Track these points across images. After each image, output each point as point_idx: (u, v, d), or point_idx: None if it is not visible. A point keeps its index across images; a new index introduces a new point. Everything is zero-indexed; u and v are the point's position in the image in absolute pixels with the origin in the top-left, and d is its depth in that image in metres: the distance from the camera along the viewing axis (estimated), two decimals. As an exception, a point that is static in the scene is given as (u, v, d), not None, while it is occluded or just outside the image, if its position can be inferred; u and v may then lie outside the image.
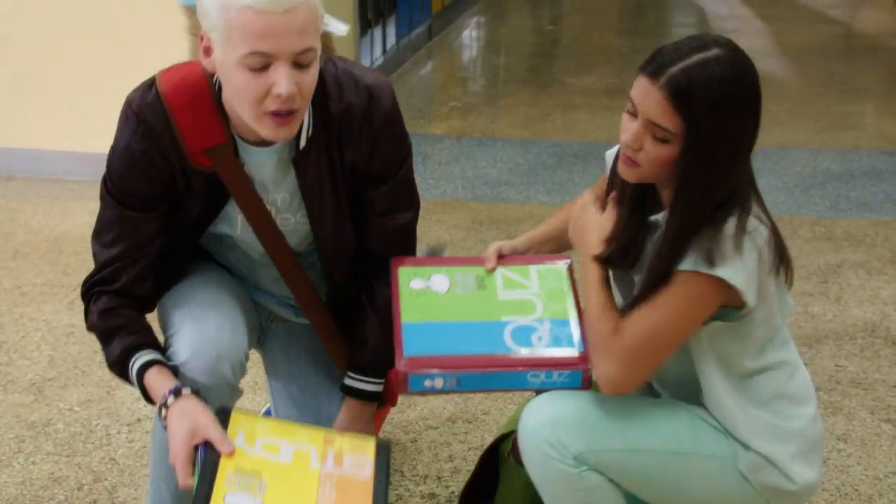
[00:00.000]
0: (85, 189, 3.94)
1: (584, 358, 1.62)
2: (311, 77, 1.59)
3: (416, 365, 1.59)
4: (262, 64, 1.54)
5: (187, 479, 1.52)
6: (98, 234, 1.75)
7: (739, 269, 1.52)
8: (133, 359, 1.69)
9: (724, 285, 1.52)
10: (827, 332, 2.95)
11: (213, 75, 1.68)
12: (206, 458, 1.50)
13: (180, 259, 1.82)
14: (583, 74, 5.85)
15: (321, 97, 1.71)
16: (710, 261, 1.52)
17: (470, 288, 1.74)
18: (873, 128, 4.95)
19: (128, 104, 1.70)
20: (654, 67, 1.54)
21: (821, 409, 2.57)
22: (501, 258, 1.81)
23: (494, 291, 1.74)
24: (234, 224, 1.79)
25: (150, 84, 1.70)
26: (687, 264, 1.54)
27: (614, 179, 1.72)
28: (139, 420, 2.46)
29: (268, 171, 1.74)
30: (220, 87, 1.67)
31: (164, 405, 1.61)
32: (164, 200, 1.72)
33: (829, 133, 4.83)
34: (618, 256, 1.67)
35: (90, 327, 1.76)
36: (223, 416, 1.57)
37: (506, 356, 1.62)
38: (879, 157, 4.51)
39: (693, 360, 1.63)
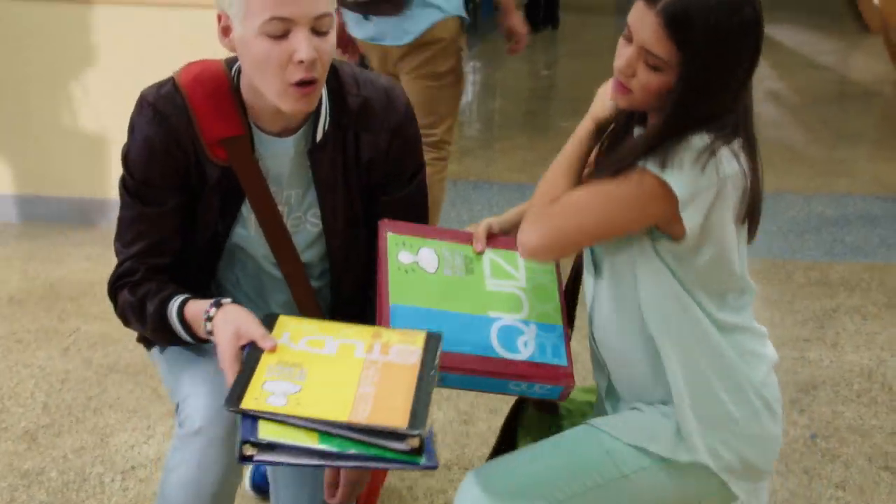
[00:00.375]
0: (80, 235, 3.94)
1: (566, 374, 1.61)
2: (329, 45, 1.62)
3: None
4: (282, 30, 1.57)
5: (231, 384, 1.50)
6: (119, 236, 1.77)
7: (688, 183, 1.49)
8: (169, 306, 1.68)
9: (668, 193, 1.50)
10: (824, 378, 2.94)
11: (230, 69, 1.72)
12: (249, 355, 1.49)
13: (203, 279, 1.83)
14: (579, 119, 5.86)
15: (338, 90, 1.74)
16: (663, 164, 1.50)
17: (458, 270, 1.72)
18: (867, 173, 4.97)
19: (142, 98, 1.72)
20: None
21: (818, 455, 2.58)
22: (490, 238, 1.78)
23: (482, 278, 1.72)
24: (248, 225, 1.78)
25: (168, 80, 1.73)
26: (640, 161, 1.52)
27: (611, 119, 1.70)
28: (133, 468, 2.44)
29: (284, 163, 1.75)
30: (238, 80, 1.71)
31: (208, 318, 1.60)
32: (182, 194, 1.73)
33: (824, 178, 4.85)
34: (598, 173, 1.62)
35: (121, 315, 1.76)
36: (270, 321, 1.57)
37: (491, 360, 1.60)
38: (873, 202, 4.53)
39: (645, 309, 1.59)
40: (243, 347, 1.52)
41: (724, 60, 1.50)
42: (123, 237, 1.76)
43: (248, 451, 1.35)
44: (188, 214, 1.75)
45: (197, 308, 1.64)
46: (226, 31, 1.64)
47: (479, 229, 1.78)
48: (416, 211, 1.84)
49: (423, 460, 1.37)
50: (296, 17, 1.57)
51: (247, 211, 1.77)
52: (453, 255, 1.74)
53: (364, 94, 1.76)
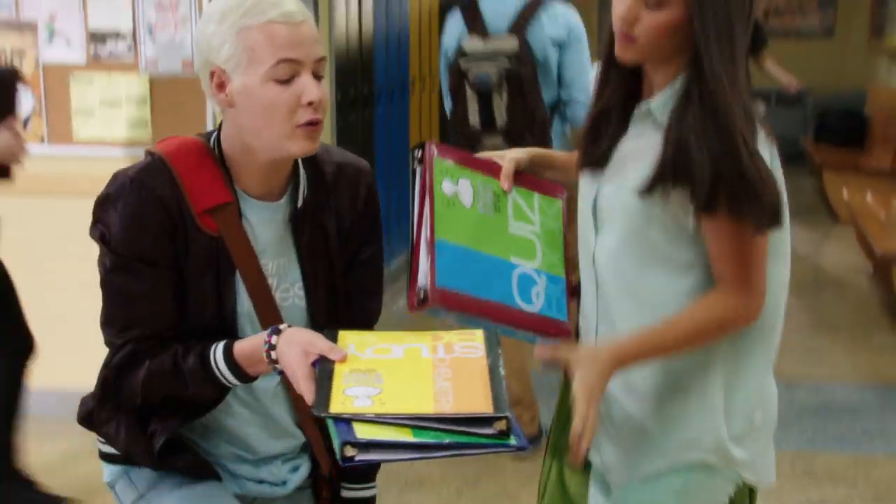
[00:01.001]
0: (56, 426, 3.88)
1: (567, 331, 1.69)
2: (325, 91, 1.67)
3: (444, 300, 1.60)
4: (290, 73, 1.62)
5: (314, 396, 1.51)
6: (109, 324, 1.71)
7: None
8: (212, 354, 1.67)
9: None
10: (814, 575, 2.87)
11: (208, 140, 1.74)
12: (321, 369, 1.53)
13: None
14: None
15: (312, 160, 1.79)
16: (749, 208, 1.54)
17: (488, 208, 1.73)
18: (845, 362, 5.00)
19: (121, 175, 1.68)
20: None
21: None
22: (515, 176, 1.77)
23: (506, 219, 1.75)
24: (243, 300, 1.75)
25: (147, 156, 1.73)
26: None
27: (602, 86, 1.71)
28: None
29: (271, 230, 1.76)
30: (218, 149, 1.73)
31: (271, 347, 1.60)
32: (174, 265, 1.69)
33: (803, 367, 4.87)
34: (587, 153, 1.70)
35: (143, 392, 1.70)
36: (331, 336, 1.62)
37: (511, 310, 1.66)
38: (853, 392, 4.54)
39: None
40: (313, 364, 1.54)
41: None
42: (114, 324, 1.71)
43: (349, 452, 1.40)
44: (181, 292, 1.71)
45: (250, 344, 1.64)
46: (221, 86, 1.66)
47: (507, 166, 1.76)
48: (378, 286, 1.91)
49: (514, 441, 1.43)
50: (302, 58, 1.62)
51: (240, 285, 1.74)
52: (485, 189, 1.75)
53: (336, 160, 1.83)
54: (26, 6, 3.82)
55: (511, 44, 3.41)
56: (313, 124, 1.65)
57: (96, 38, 3.82)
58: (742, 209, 1.54)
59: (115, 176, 1.70)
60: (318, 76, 1.66)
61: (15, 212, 3.85)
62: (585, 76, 3.45)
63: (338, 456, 1.40)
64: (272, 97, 1.62)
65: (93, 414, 1.83)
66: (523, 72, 3.38)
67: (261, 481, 1.89)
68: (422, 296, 1.60)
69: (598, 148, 1.70)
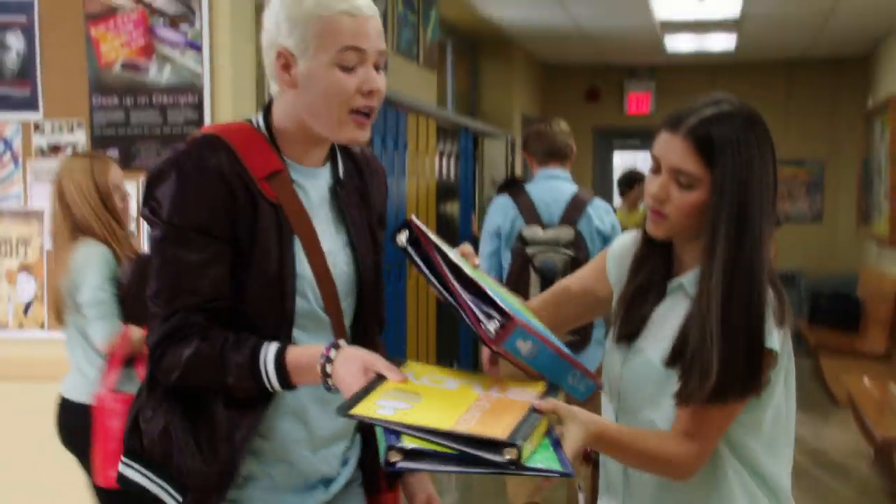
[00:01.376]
0: None
1: (596, 375, 1.74)
2: (384, 82, 1.80)
3: (522, 324, 1.61)
4: (355, 61, 1.75)
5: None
6: (158, 294, 1.72)
7: (778, 337, 1.68)
8: (262, 353, 1.70)
9: (770, 353, 1.69)
10: None
11: (251, 121, 1.83)
12: (371, 381, 1.58)
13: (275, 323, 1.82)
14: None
15: (341, 146, 1.94)
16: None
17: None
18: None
19: (174, 151, 1.75)
20: (672, 121, 1.69)
21: None
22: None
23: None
24: (303, 263, 1.81)
25: (192, 136, 1.79)
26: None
27: (639, 263, 1.81)
28: None
29: (320, 194, 1.87)
30: (266, 122, 1.82)
31: (328, 360, 1.65)
32: (230, 236, 1.73)
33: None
34: (622, 325, 1.79)
35: (183, 370, 1.71)
36: (397, 363, 1.65)
37: (564, 352, 1.70)
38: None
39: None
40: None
41: (748, 170, 1.65)
42: (162, 295, 1.72)
43: (394, 457, 1.44)
44: (237, 265, 1.74)
45: (305, 354, 1.69)
46: (286, 67, 1.77)
47: (465, 247, 1.83)
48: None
49: (559, 467, 1.46)
50: (367, 48, 1.76)
51: (299, 250, 1.80)
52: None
53: (359, 147, 1.97)
54: (34, 196, 3.92)
55: (568, 234, 3.95)
56: (367, 115, 1.78)
57: (101, 224, 3.90)
58: (737, 396, 1.69)
59: (168, 151, 1.77)
60: (378, 68, 1.79)
61: (18, 395, 3.86)
62: None
63: (381, 461, 1.46)
64: (335, 81, 1.74)
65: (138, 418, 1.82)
66: (581, 259, 3.84)
67: (316, 478, 1.90)
68: (498, 325, 1.61)
69: (631, 323, 1.80)
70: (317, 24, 1.74)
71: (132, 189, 3.87)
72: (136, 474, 1.83)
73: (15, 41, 3.89)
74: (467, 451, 1.44)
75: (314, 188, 1.86)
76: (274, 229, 1.77)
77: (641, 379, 1.78)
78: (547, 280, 3.83)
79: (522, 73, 10.28)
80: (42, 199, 3.90)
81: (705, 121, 1.67)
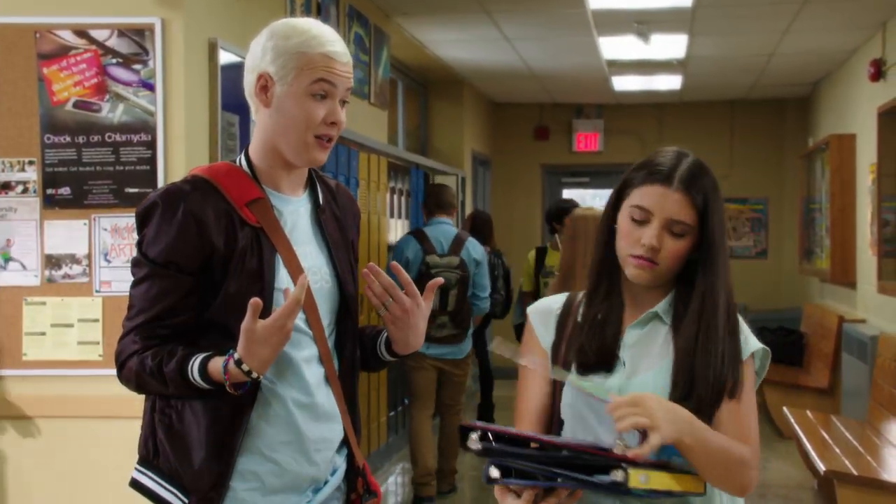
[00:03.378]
0: None
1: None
2: (344, 116, 2.08)
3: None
4: (325, 91, 2.04)
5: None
6: (127, 315, 2.04)
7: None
8: (189, 365, 1.96)
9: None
10: None
11: (233, 161, 2.12)
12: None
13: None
14: None
15: (317, 174, 2.20)
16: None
17: None
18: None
19: (159, 196, 2.03)
20: (662, 176, 1.90)
21: None
22: None
23: None
24: (282, 277, 2.05)
25: (185, 178, 2.08)
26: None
27: (596, 300, 1.99)
28: None
29: (300, 220, 2.12)
30: (245, 157, 2.11)
31: (233, 356, 1.93)
32: (194, 274, 2.00)
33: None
34: (583, 355, 1.95)
35: (135, 382, 2.01)
36: None
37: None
38: None
39: None
40: None
41: (721, 213, 1.91)
42: (128, 314, 2.04)
43: (494, 473, 1.76)
44: (204, 292, 2.01)
45: (220, 358, 1.95)
46: (264, 88, 2.07)
47: None
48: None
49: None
50: (338, 84, 2.06)
51: (279, 265, 2.05)
52: None
53: (334, 179, 2.27)
54: (-15, 233, 3.91)
55: (456, 260, 6.06)
56: (328, 140, 2.06)
57: (52, 262, 3.92)
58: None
59: (159, 192, 2.05)
60: (344, 102, 2.08)
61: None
62: (486, 283, 6.22)
63: (483, 478, 1.70)
64: (306, 107, 2.04)
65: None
66: (464, 278, 6.05)
67: (306, 483, 2.11)
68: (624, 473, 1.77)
69: (598, 353, 1.95)
70: (299, 59, 2.04)
71: (82, 230, 3.88)
72: (149, 481, 2.07)
73: (-34, 80, 3.89)
74: (576, 464, 1.69)
75: (293, 213, 2.12)
76: (255, 249, 2.03)
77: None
78: (444, 293, 5.96)
79: (472, 111, 10.39)
80: (-8, 236, 3.90)
81: (692, 175, 1.90)
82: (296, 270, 2.05)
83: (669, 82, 10.02)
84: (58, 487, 3.92)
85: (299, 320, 2.04)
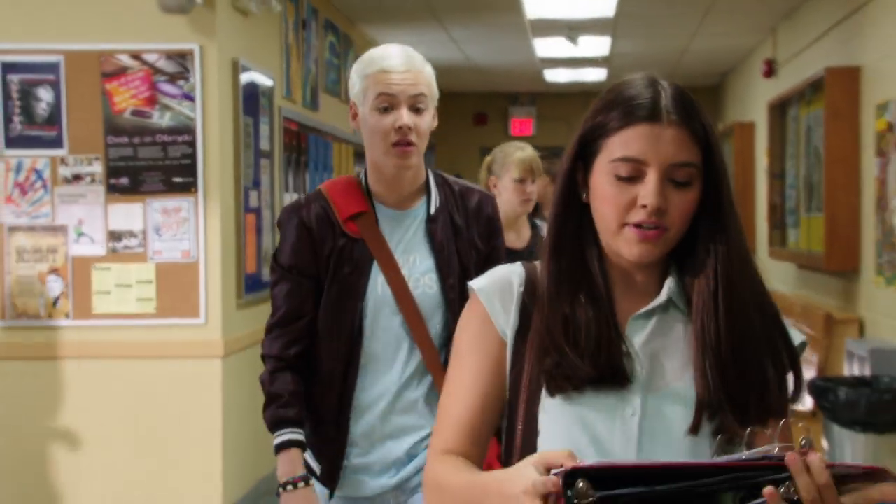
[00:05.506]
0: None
1: None
2: (424, 121, 2.25)
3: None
4: (387, 103, 2.22)
5: None
6: (271, 318, 2.31)
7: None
8: (277, 433, 2.24)
9: None
10: None
11: (359, 175, 2.35)
12: None
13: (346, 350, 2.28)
14: None
15: (443, 180, 2.37)
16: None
17: None
18: None
19: (284, 209, 2.33)
20: (646, 111, 1.40)
21: None
22: None
23: None
24: (377, 286, 2.27)
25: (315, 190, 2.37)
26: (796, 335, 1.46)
27: (577, 295, 1.44)
28: None
29: (404, 231, 2.30)
30: (365, 175, 2.33)
31: (290, 483, 2.20)
32: (312, 277, 2.26)
33: None
34: (610, 374, 1.39)
35: (261, 379, 2.31)
36: None
37: None
38: None
39: None
40: None
41: (718, 140, 1.44)
42: (274, 314, 2.31)
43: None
44: (321, 290, 2.26)
45: (289, 460, 2.22)
46: (354, 115, 2.30)
47: None
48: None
49: None
50: (396, 94, 2.21)
51: (377, 274, 2.26)
52: None
53: (463, 184, 2.41)
54: (60, 215, 4.98)
55: None
56: (403, 145, 2.21)
57: (114, 236, 5.00)
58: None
59: (287, 211, 2.34)
60: (416, 109, 2.23)
61: (53, 371, 4.92)
62: None
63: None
64: (373, 122, 2.23)
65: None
66: None
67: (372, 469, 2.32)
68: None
69: (591, 363, 1.40)
70: (364, 81, 2.26)
71: (138, 211, 4.97)
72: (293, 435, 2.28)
73: (45, 94, 4.95)
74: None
75: (401, 225, 2.30)
76: (353, 258, 2.26)
77: (675, 416, 1.41)
78: None
79: (419, 100, 11.51)
80: (66, 216, 4.97)
81: (682, 100, 1.42)
82: (394, 279, 2.23)
83: (596, 74, 11.26)
84: (122, 415, 5.01)
85: (394, 321, 2.27)
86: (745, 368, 1.39)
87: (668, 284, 1.46)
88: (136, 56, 4.96)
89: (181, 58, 4.97)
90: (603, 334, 1.41)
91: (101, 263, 5.01)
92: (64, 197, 4.98)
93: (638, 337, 1.45)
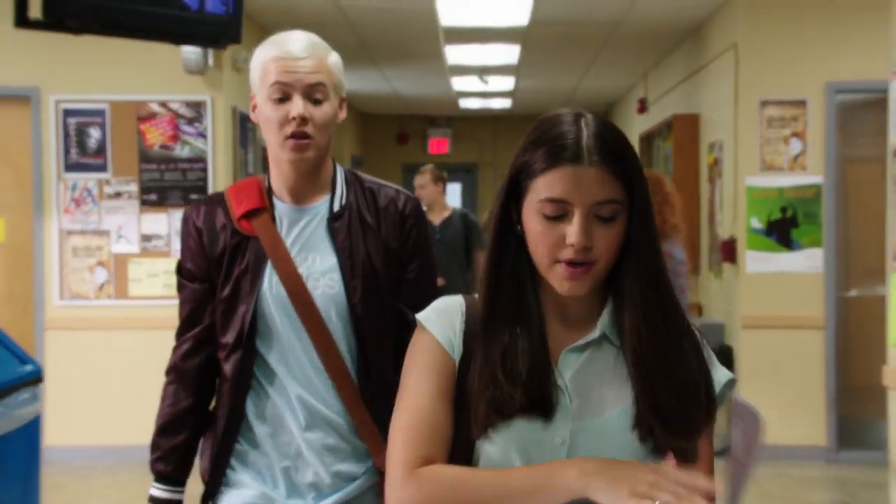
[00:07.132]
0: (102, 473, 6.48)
1: None
2: (322, 112, 2.06)
3: None
4: (281, 94, 2.04)
5: None
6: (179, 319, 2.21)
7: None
8: (152, 483, 2.18)
9: None
10: None
11: (264, 176, 2.16)
12: None
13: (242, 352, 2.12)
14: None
15: (355, 177, 2.18)
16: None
17: None
18: None
19: (186, 209, 2.20)
20: (569, 153, 1.42)
21: None
22: None
23: None
24: (273, 285, 2.09)
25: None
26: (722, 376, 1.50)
27: (513, 325, 1.46)
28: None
29: (305, 230, 2.12)
30: (268, 172, 2.15)
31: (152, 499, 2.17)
32: (212, 270, 2.12)
33: None
34: (538, 405, 1.43)
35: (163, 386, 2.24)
36: None
37: None
38: None
39: None
40: None
41: (643, 173, 1.47)
42: (180, 314, 2.20)
43: None
44: (216, 289, 2.12)
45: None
46: (254, 107, 2.11)
47: None
48: (423, 289, 2.14)
49: None
50: (292, 82, 2.04)
51: (271, 273, 2.09)
52: None
53: (378, 182, 2.21)
54: (105, 221, 6.68)
55: None
56: (298, 137, 2.02)
57: (145, 238, 6.72)
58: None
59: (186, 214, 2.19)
60: (313, 100, 2.04)
61: (100, 338, 6.62)
62: None
63: None
64: (268, 112, 2.05)
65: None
66: None
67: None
68: None
69: (522, 391, 1.43)
70: (261, 67, 2.08)
71: (163, 219, 6.69)
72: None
73: (94, 132, 6.65)
74: None
75: (299, 222, 2.12)
76: (244, 256, 2.10)
77: (603, 445, 1.44)
78: None
79: (348, 121, 13.19)
80: (109, 223, 6.67)
81: (603, 140, 1.44)
82: (290, 278, 2.06)
83: (502, 103, 13.19)
84: (151, 376, 6.70)
85: (288, 322, 2.08)
86: (678, 392, 1.43)
87: (603, 318, 1.48)
88: (163, 104, 6.69)
89: (197, 106, 6.72)
90: (535, 365, 1.43)
91: (136, 258, 6.73)
92: (108, 209, 6.69)
93: (569, 369, 1.47)
